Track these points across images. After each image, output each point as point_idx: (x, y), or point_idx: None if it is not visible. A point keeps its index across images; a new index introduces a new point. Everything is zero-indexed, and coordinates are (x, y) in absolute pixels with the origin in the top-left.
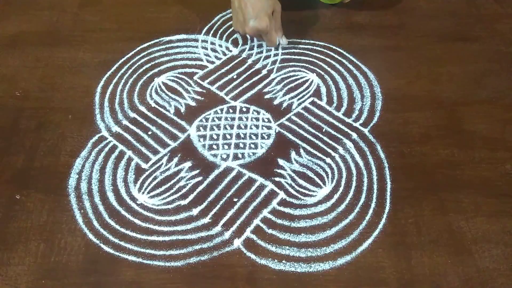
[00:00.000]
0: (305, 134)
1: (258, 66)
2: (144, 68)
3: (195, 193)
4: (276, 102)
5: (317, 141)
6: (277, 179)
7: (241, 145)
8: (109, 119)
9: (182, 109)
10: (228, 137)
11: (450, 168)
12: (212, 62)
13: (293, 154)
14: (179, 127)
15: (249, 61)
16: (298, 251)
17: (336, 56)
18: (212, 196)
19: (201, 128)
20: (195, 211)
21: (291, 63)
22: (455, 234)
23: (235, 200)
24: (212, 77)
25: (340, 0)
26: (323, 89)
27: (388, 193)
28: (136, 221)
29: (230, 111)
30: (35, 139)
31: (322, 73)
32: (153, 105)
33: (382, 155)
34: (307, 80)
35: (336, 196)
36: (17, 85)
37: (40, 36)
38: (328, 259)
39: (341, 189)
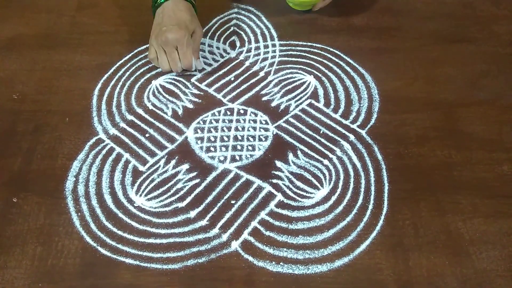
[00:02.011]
0: (303, 136)
1: (255, 68)
2: (141, 70)
3: (192, 195)
4: (273, 104)
5: (314, 143)
6: (274, 181)
7: (239, 147)
8: (107, 121)
9: (180, 112)
10: (226, 139)
11: (447, 169)
12: (210, 65)
13: (290, 156)
14: (177, 129)
15: (247, 63)
16: (296, 253)
17: (333, 58)
18: (210, 198)
19: (198, 130)
20: (192, 214)
21: (288, 65)
22: (453, 235)
23: (233, 202)
24: (209, 79)
25: (310, 7)
26: (321, 91)
27: (386, 195)
28: (134, 223)
29: (228, 113)
30: (32, 142)
31: (320, 75)
32: (151, 107)
33: (380, 157)
34: (304, 82)
35: (333, 198)
36: (15, 88)
37: (38, 39)
38: (326, 261)
39: (338, 190)
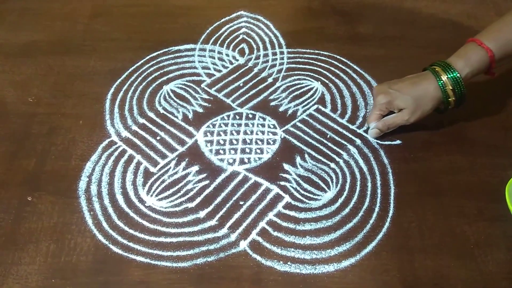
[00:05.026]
0: (310, 140)
1: (264, 74)
2: (153, 76)
3: (202, 196)
4: (281, 109)
5: (321, 147)
6: (282, 183)
7: (247, 150)
8: (119, 124)
9: (190, 116)
10: (235, 142)
11: (452, 173)
12: (219, 71)
13: (298, 159)
14: (187, 132)
15: (255, 70)
16: (303, 253)
17: (340, 65)
18: (219, 199)
19: (208, 133)
20: (202, 214)
21: (296, 72)
22: (458, 238)
23: (241, 203)
24: (219, 85)
25: None
26: (328, 97)
27: (392, 198)
28: (144, 222)
29: (237, 117)
30: (46, 144)
31: (327, 81)
32: (162, 111)
33: (386, 161)
34: (311, 88)
35: (340, 200)
36: (30, 91)
37: (53, 45)
38: (333, 261)
39: (345, 193)
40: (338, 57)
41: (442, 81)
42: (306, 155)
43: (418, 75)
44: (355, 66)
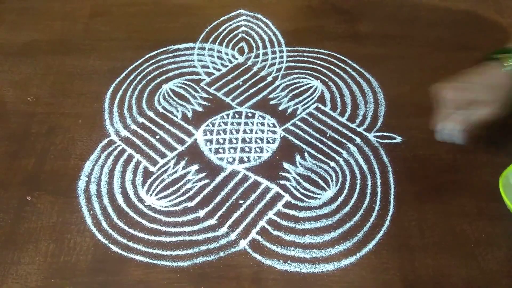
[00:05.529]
0: (310, 139)
1: (263, 73)
2: (152, 75)
3: (201, 195)
4: (281, 107)
5: (321, 146)
6: (282, 182)
7: (247, 149)
8: (118, 123)
9: (189, 115)
10: (234, 141)
11: (452, 172)
12: (219, 70)
13: (298, 158)
14: (186, 131)
15: (255, 69)
16: (303, 252)
17: (340, 63)
18: (219, 198)
19: (207, 132)
20: (201, 213)
21: (295, 70)
22: (458, 237)
23: (241, 202)
24: (218, 83)
25: None
26: (327, 95)
27: (392, 196)
28: (144, 222)
29: (236, 116)
30: (46, 143)
31: (326, 80)
32: (161, 110)
33: (386, 159)
34: (311, 87)
35: (340, 199)
36: (29, 91)
37: (52, 45)
38: (333, 260)
39: (345, 192)
40: (338, 55)
41: (511, 66)
42: (306, 154)
43: (478, 67)
44: (355, 65)
